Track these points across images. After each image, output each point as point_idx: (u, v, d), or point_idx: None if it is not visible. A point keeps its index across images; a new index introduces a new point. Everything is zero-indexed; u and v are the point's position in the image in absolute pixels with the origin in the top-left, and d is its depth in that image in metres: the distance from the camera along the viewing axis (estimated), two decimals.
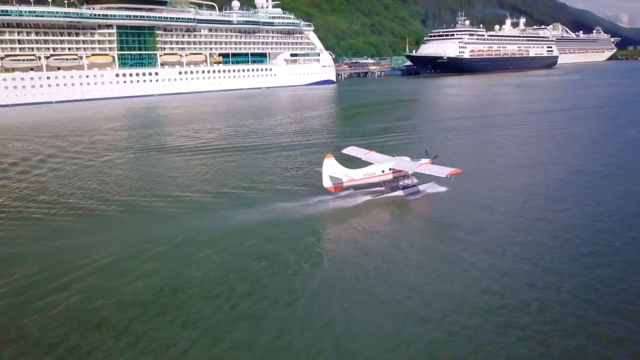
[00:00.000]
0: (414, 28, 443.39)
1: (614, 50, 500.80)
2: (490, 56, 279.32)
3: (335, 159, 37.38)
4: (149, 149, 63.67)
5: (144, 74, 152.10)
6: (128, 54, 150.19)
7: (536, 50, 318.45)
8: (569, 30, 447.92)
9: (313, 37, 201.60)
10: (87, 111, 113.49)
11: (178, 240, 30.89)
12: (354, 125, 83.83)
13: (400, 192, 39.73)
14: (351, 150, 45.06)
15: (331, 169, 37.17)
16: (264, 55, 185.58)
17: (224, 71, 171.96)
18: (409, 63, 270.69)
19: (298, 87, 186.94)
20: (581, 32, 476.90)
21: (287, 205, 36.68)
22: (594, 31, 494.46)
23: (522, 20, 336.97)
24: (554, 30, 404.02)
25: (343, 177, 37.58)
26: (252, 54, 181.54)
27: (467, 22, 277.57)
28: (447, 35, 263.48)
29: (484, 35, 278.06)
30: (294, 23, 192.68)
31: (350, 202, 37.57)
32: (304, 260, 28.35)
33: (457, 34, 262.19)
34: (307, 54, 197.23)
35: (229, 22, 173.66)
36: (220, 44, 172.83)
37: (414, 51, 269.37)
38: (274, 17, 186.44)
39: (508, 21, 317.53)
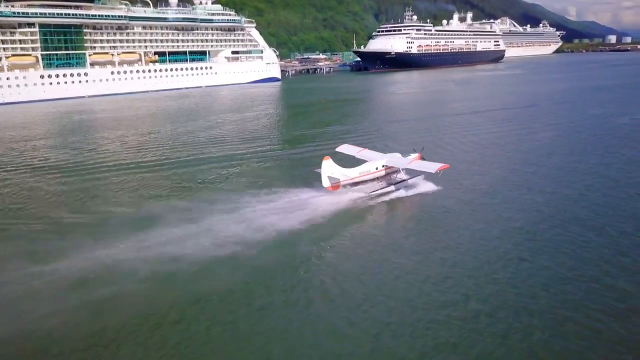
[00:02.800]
0: (366, 22, 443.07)
1: (560, 44, 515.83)
2: (438, 51, 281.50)
3: (332, 160, 39.15)
4: (31, 166, 55.59)
5: (71, 75, 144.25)
6: (53, 54, 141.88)
7: (483, 45, 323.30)
8: (516, 24, 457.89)
9: (255, 34, 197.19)
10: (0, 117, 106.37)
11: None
12: (296, 128, 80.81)
13: (392, 187, 41.63)
14: (344, 149, 47.08)
15: (329, 170, 38.95)
16: (203, 53, 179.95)
17: (160, 70, 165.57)
18: (358, 59, 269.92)
19: (241, 85, 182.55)
20: (528, 25, 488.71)
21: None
22: (541, 25, 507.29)
23: (469, 15, 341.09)
24: (502, 24, 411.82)
25: (340, 177, 39.52)
26: (191, 52, 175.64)
27: (415, 17, 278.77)
28: (394, 30, 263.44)
29: (431, 30, 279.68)
30: (235, 20, 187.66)
31: (347, 204, 38.47)
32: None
33: (404, 29, 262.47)
34: (249, 52, 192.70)
35: (164, 20, 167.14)
36: (156, 42, 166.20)
37: (362, 47, 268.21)
38: (213, 14, 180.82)
39: (455, 16, 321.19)
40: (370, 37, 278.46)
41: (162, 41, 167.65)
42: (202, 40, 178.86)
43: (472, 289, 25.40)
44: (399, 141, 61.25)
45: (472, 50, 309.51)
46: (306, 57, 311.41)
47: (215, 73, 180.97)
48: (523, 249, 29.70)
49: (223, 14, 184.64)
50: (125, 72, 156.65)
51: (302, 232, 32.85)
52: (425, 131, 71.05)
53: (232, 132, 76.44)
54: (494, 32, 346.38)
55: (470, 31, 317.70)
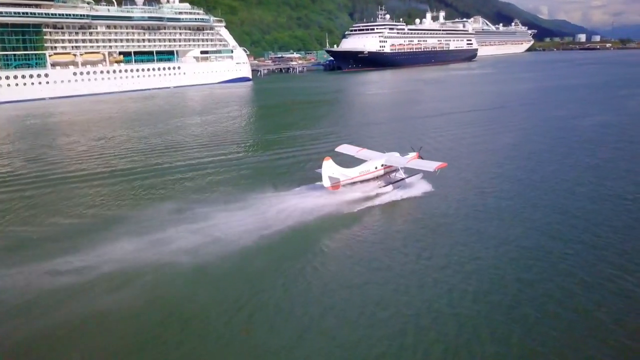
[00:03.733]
0: (341, 21, 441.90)
1: (532, 42, 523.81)
2: (411, 50, 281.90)
3: (332, 161, 39.57)
4: None
5: (31, 76, 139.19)
6: (11, 54, 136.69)
7: (456, 44, 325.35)
8: (489, 23, 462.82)
9: (225, 33, 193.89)
10: None
11: None
12: (260, 132, 78.63)
13: (390, 187, 41.94)
14: (344, 149, 47.68)
15: (330, 170, 39.36)
16: (171, 53, 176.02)
17: (126, 71, 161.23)
18: (331, 58, 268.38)
19: (210, 85, 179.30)
20: (501, 24, 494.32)
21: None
22: (513, 24, 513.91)
23: (442, 14, 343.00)
24: (475, 23, 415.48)
25: (341, 177, 40.02)
26: (158, 52, 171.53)
27: (388, 16, 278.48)
28: (367, 29, 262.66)
29: (404, 29, 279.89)
30: (204, 19, 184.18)
31: (346, 205, 38.27)
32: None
33: (377, 28, 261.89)
34: (219, 51, 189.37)
35: (129, 18, 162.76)
36: (121, 42, 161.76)
37: (335, 46, 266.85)
38: (180, 13, 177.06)
39: (428, 15, 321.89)
40: (344, 36, 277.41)
41: (127, 41, 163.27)
42: (169, 40, 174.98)
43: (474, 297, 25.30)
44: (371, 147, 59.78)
45: (445, 49, 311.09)
46: (280, 56, 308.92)
47: (184, 73, 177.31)
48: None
49: (191, 13, 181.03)
50: (88, 72, 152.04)
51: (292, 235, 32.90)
52: (391, 134, 69.83)
53: (193, 137, 73.68)
54: (467, 31, 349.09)
55: (443, 30, 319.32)
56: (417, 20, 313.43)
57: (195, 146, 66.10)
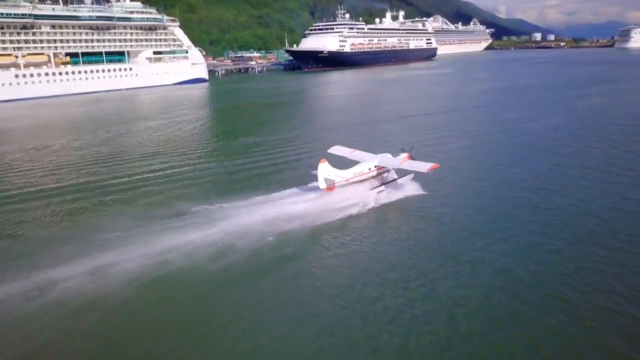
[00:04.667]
0: (302, 20, 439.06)
1: (490, 41, 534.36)
2: (371, 49, 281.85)
3: (328, 163, 40.28)
4: None
5: None
6: None
7: (416, 43, 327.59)
8: (448, 22, 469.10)
9: (179, 33, 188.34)
10: None
11: None
12: (216, 139, 74.88)
13: (383, 187, 42.87)
14: (337, 150, 48.00)
15: (325, 172, 39.93)
16: (122, 53, 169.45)
17: (73, 73, 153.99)
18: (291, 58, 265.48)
19: (164, 87, 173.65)
20: (460, 23, 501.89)
21: None
22: (472, 23, 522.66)
23: (401, 13, 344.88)
24: (435, 22, 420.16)
25: (336, 178, 40.66)
26: (108, 53, 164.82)
27: (347, 15, 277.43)
28: (327, 29, 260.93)
29: (364, 28, 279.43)
30: (156, 18, 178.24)
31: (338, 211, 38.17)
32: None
33: (336, 28, 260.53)
34: (173, 52, 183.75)
35: (76, 18, 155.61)
36: (67, 42, 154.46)
37: (294, 45, 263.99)
38: (131, 12, 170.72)
39: (388, 14, 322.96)
40: (304, 35, 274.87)
41: (74, 41, 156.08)
42: (120, 40, 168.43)
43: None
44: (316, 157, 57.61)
45: (405, 48, 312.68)
46: (240, 55, 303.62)
47: (136, 75, 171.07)
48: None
49: (143, 12, 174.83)
50: (31, 75, 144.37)
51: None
52: (351, 139, 67.54)
53: (134, 146, 69.34)
54: (426, 30, 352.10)
55: (402, 29, 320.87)
56: (377, 20, 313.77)
57: (135, 157, 62.16)
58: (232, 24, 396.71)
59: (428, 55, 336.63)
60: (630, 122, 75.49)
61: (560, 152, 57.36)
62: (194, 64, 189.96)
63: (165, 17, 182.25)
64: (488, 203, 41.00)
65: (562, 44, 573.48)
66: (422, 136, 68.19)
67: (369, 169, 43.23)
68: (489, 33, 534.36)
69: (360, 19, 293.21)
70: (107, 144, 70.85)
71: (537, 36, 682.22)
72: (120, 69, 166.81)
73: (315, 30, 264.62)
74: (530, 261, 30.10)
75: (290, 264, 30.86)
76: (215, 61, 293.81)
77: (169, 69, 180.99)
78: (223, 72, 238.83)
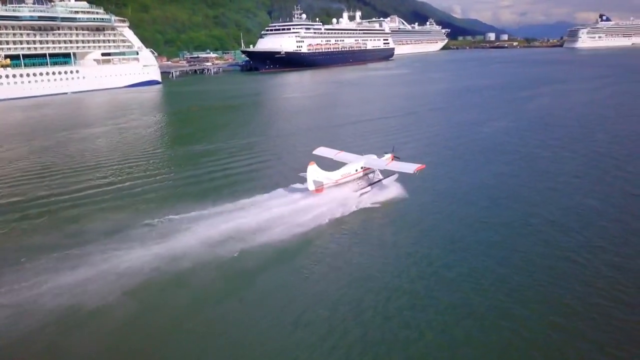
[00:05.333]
0: (259, 20, 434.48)
1: (446, 41, 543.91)
2: (329, 50, 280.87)
3: (317, 165, 41.06)
4: None
5: None
6: None
7: (373, 43, 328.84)
8: (405, 23, 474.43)
9: (129, 34, 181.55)
10: None
11: None
12: (163, 146, 70.60)
13: (368, 188, 43.68)
14: (321, 151, 48.33)
15: (314, 174, 40.80)
16: (68, 55, 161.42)
17: (13, 76, 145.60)
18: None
19: (114, 90, 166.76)
20: (416, 24, 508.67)
21: None
22: (428, 23, 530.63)
23: (358, 13, 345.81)
24: (392, 23, 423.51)
25: (324, 180, 41.57)
26: (52, 55, 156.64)
27: (304, 15, 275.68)
28: (283, 29, 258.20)
29: (321, 29, 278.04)
30: (103, 18, 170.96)
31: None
32: None
33: (293, 28, 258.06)
34: (122, 53, 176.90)
35: (16, 18, 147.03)
36: (7, 44, 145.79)
37: (251, 46, 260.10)
38: (76, 12, 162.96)
39: (345, 14, 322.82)
40: (261, 36, 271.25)
41: (14, 43, 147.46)
42: (65, 42, 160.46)
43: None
44: (270, 169, 55.56)
45: (362, 48, 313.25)
46: (196, 56, 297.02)
47: (83, 77, 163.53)
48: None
49: (89, 12, 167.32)
50: None
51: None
52: (304, 146, 65.72)
53: (71, 157, 65.09)
54: (384, 30, 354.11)
55: (360, 30, 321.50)
56: (334, 20, 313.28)
57: (75, 168, 57.95)
58: (188, 24, 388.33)
59: (386, 55, 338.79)
60: (575, 123, 76.87)
61: (510, 157, 57.27)
62: (145, 65, 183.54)
63: (114, 17, 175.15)
64: (454, 209, 40.89)
65: (515, 43, 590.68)
66: (377, 140, 66.80)
67: (356, 170, 44.09)
68: (444, 33, 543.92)
69: (317, 19, 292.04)
70: (43, 155, 66.18)
71: (491, 36, 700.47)
72: (65, 72, 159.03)
73: (271, 30, 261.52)
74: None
75: (274, 270, 30.78)
76: (170, 62, 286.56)
77: (118, 71, 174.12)
78: (177, 73, 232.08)
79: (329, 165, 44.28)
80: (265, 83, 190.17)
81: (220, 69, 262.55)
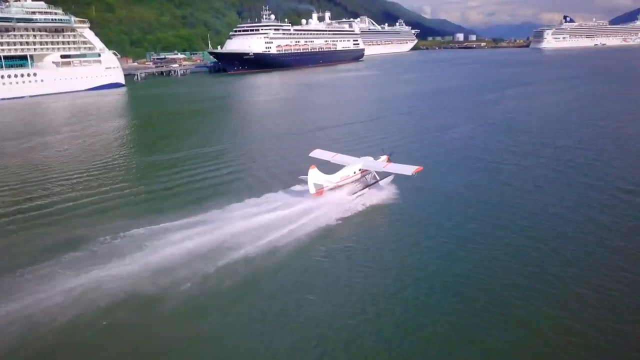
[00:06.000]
0: (229, 20, 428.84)
1: (416, 41, 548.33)
2: (299, 51, 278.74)
3: (317, 169, 42.13)
4: None
5: None
6: None
7: (343, 44, 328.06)
8: (375, 23, 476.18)
9: (90, 35, 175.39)
10: None
11: None
12: (118, 158, 65.21)
13: (365, 190, 44.71)
14: (318, 154, 49.43)
15: (315, 177, 41.72)
16: (24, 57, 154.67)
17: None
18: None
19: (74, 93, 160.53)
20: (386, 24, 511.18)
21: None
22: (397, 23, 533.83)
23: (327, 14, 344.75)
24: (362, 23, 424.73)
25: (324, 183, 42.41)
26: (7, 57, 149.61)
27: (273, 16, 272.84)
28: (252, 30, 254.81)
29: (290, 30, 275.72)
30: (62, 19, 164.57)
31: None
32: None
33: (262, 29, 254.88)
34: (83, 55, 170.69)
35: None
36: None
37: (218, 47, 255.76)
38: (33, 12, 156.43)
39: (314, 15, 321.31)
40: (229, 37, 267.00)
41: None
42: (21, 43, 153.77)
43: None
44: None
45: (332, 49, 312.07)
46: (163, 57, 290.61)
47: (41, 81, 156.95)
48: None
49: (47, 13, 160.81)
50: None
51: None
52: (268, 158, 63.31)
53: (19, 168, 61.05)
54: (353, 31, 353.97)
55: (329, 31, 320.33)
56: (304, 21, 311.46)
57: (22, 181, 54.31)
58: (155, 24, 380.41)
59: (356, 56, 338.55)
60: (540, 127, 76.69)
61: (478, 163, 56.20)
62: (107, 67, 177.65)
63: (73, 18, 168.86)
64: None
65: (483, 44, 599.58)
66: (344, 149, 64.86)
67: (354, 172, 44.95)
68: (414, 33, 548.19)
69: (286, 20, 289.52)
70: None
71: (460, 36, 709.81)
72: (22, 75, 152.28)
73: (240, 31, 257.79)
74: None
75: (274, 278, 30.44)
76: (136, 63, 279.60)
77: (79, 73, 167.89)
78: (143, 75, 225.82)
79: (323, 167, 44.92)
80: (232, 85, 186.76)
81: (188, 70, 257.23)
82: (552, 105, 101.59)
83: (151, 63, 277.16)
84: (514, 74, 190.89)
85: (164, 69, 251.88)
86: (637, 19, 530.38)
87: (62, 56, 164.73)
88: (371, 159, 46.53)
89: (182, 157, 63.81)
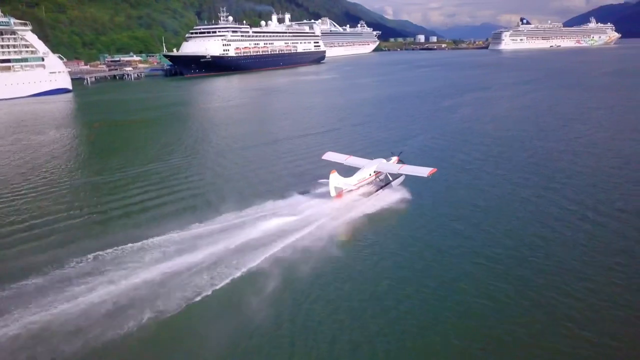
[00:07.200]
0: (187, 21, 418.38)
1: (377, 42, 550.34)
2: (258, 53, 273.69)
3: (337, 174, 43.73)
4: None
5: None
6: None
7: (304, 46, 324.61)
8: (336, 25, 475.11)
9: (32, 39, 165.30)
10: None
11: None
12: (49, 179, 59.16)
13: (381, 190, 46.44)
14: (331, 156, 51.59)
15: (336, 181, 43.33)
16: None
17: None
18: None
19: (15, 100, 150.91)
20: (348, 25, 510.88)
21: None
22: (359, 25, 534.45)
23: (287, 16, 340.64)
24: (323, 25, 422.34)
25: (344, 186, 43.96)
26: None
27: (231, 18, 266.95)
28: (209, 32, 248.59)
29: (248, 32, 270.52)
30: (1, 22, 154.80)
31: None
32: None
33: (219, 31, 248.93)
34: (25, 59, 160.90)
35: None
36: None
37: (174, 50, 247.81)
38: None
39: (274, 17, 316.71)
40: (186, 39, 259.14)
41: None
42: None
43: None
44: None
45: (292, 51, 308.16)
46: (118, 59, 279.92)
47: None
48: None
49: None
50: None
51: None
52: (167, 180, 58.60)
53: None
54: (314, 32, 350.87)
55: (289, 32, 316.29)
56: (263, 23, 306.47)
57: None
58: (109, 25, 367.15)
59: (317, 58, 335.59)
60: (494, 138, 74.75)
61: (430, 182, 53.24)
62: (52, 72, 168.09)
63: (13, 20, 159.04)
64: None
65: (444, 45, 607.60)
66: (292, 169, 60.96)
67: (370, 175, 46.67)
68: (376, 35, 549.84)
69: (245, 22, 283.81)
70: None
71: (421, 37, 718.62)
72: None
73: (196, 33, 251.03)
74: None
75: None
76: (88, 66, 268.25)
77: (20, 79, 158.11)
78: (93, 79, 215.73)
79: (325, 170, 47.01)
80: (188, 90, 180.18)
81: (142, 73, 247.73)
82: (507, 112, 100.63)
83: (104, 66, 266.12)
84: (472, 77, 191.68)
85: (117, 72, 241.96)
86: (589, 21, 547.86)
87: (2, 61, 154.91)
88: (384, 160, 48.18)
89: (123, 177, 58.43)
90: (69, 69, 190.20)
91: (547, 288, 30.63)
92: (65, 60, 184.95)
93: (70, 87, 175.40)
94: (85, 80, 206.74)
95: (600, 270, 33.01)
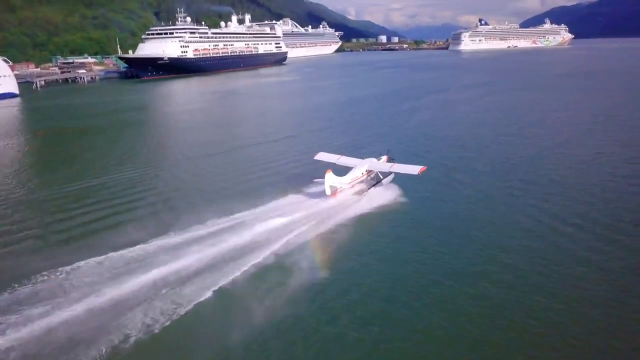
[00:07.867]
0: (145, 21, 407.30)
1: (340, 43, 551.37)
2: (217, 55, 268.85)
3: (332, 173, 45.52)
4: None
5: None
6: None
7: (265, 47, 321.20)
8: (298, 25, 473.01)
9: None
10: None
11: None
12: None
13: (372, 188, 47.80)
14: (323, 156, 53.19)
15: (331, 180, 45.20)
16: None
17: None
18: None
19: None
20: (310, 26, 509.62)
21: None
22: (321, 25, 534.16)
23: (248, 16, 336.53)
24: (285, 25, 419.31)
25: (338, 185, 45.99)
26: None
27: (189, 19, 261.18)
28: (166, 33, 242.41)
29: (207, 33, 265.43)
30: None
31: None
32: None
33: (176, 32, 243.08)
34: None
35: None
36: None
37: (130, 52, 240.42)
38: None
39: (234, 18, 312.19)
40: (142, 40, 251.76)
41: None
42: None
43: None
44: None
45: (253, 53, 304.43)
46: (70, 61, 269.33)
47: None
48: None
49: None
50: None
51: None
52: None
53: None
54: (275, 33, 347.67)
55: (250, 33, 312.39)
56: (222, 24, 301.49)
57: None
58: (62, 26, 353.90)
59: (278, 59, 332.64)
60: (451, 144, 74.18)
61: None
62: None
63: None
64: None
65: (405, 46, 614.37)
66: (242, 181, 58.36)
67: (362, 174, 48.39)
68: (338, 36, 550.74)
69: (204, 22, 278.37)
70: None
71: (383, 38, 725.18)
72: None
73: (153, 34, 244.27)
74: None
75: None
76: (38, 69, 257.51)
77: None
78: (43, 83, 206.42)
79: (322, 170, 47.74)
80: (144, 94, 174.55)
81: (97, 76, 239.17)
82: (465, 116, 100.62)
83: (57, 68, 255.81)
84: (432, 78, 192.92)
85: (69, 75, 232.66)
86: (544, 22, 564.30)
87: None
88: (375, 159, 50.03)
89: (64, 192, 54.50)
90: (17, 72, 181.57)
91: (540, 284, 31.83)
92: (11, 63, 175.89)
93: (16, 91, 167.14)
94: (35, 84, 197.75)
95: (587, 259, 35.16)
